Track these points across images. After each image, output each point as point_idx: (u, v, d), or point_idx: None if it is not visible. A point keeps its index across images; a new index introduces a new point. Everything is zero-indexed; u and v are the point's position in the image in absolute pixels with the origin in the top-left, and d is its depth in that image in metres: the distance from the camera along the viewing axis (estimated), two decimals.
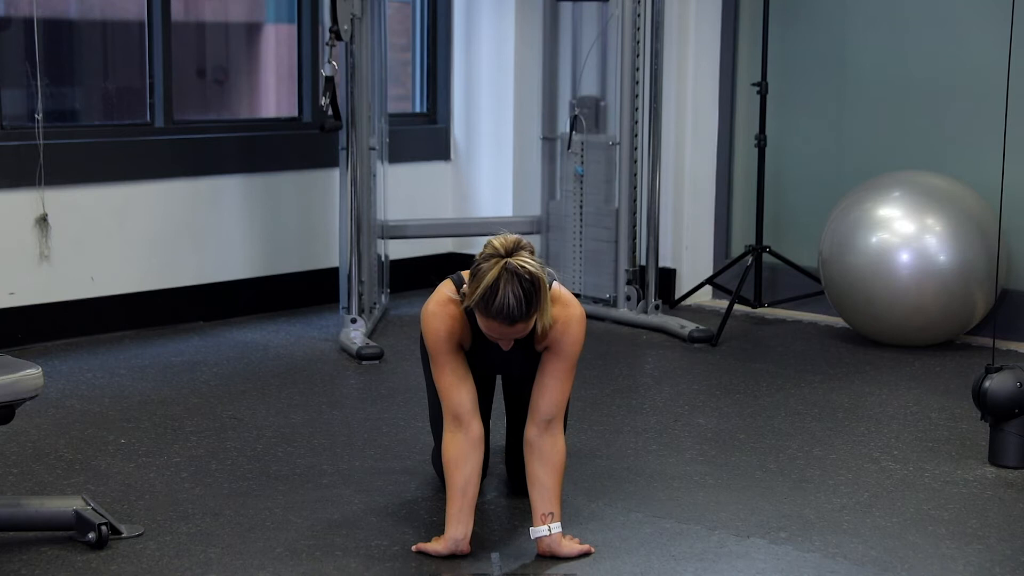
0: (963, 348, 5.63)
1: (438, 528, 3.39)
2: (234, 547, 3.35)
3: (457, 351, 3.39)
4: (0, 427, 3.33)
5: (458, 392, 3.36)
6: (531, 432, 3.38)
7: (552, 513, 3.32)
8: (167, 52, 5.94)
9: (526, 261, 3.19)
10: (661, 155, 6.18)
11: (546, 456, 3.36)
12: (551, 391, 3.37)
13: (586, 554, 3.33)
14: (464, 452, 3.33)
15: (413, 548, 3.34)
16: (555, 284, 3.38)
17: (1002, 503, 3.74)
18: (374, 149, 5.90)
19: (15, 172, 5.40)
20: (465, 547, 3.30)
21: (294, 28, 6.50)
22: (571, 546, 3.33)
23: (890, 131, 6.16)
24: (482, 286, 3.18)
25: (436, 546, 3.31)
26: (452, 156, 7.07)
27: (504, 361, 3.48)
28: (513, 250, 3.21)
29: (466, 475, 3.32)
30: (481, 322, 3.25)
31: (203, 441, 4.25)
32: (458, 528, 3.30)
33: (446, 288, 3.41)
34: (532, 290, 3.18)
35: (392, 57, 6.80)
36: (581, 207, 6.30)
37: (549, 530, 3.31)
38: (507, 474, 3.81)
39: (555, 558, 3.30)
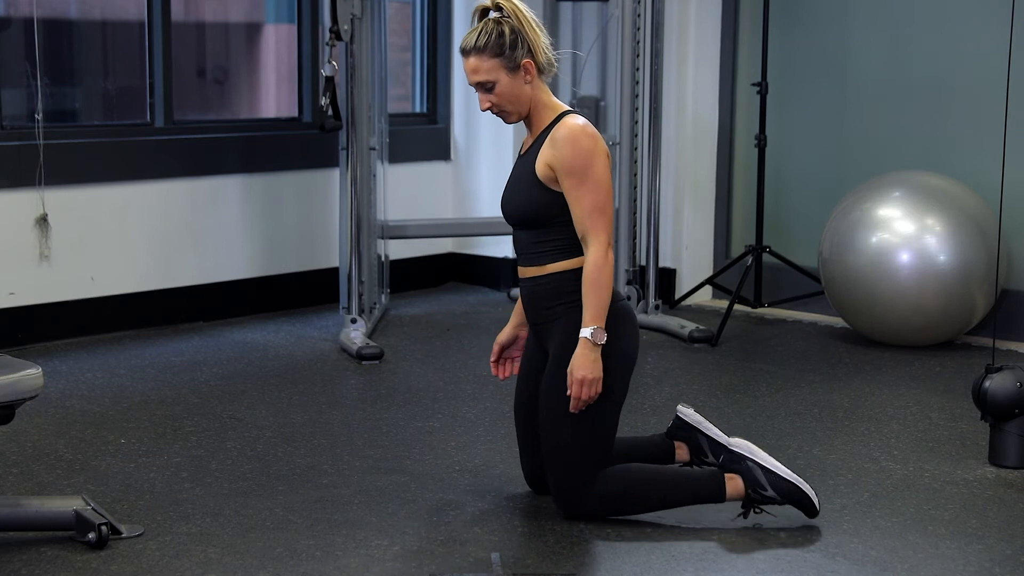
0: (963, 348, 5.63)
1: (438, 528, 3.39)
2: (234, 547, 3.35)
3: None
4: (0, 427, 3.33)
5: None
6: None
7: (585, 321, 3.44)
8: (167, 52, 5.94)
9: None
10: (661, 155, 6.18)
11: (584, 273, 3.46)
12: (573, 208, 3.45)
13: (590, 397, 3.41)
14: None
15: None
16: (573, 114, 3.47)
17: (1002, 503, 3.73)
18: (374, 149, 5.90)
19: (15, 172, 5.40)
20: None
21: (294, 28, 6.50)
22: (582, 363, 3.42)
23: (890, 131, 6.16)
24: None
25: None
26: (452, 156, 7.07)
27: (512, 183, 3.58)
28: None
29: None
30: None
31: (203, 441, 4.25)
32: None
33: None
34: (496, 25, 3.41)
35: (392, 57, 6.80)
36: None
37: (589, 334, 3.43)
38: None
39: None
